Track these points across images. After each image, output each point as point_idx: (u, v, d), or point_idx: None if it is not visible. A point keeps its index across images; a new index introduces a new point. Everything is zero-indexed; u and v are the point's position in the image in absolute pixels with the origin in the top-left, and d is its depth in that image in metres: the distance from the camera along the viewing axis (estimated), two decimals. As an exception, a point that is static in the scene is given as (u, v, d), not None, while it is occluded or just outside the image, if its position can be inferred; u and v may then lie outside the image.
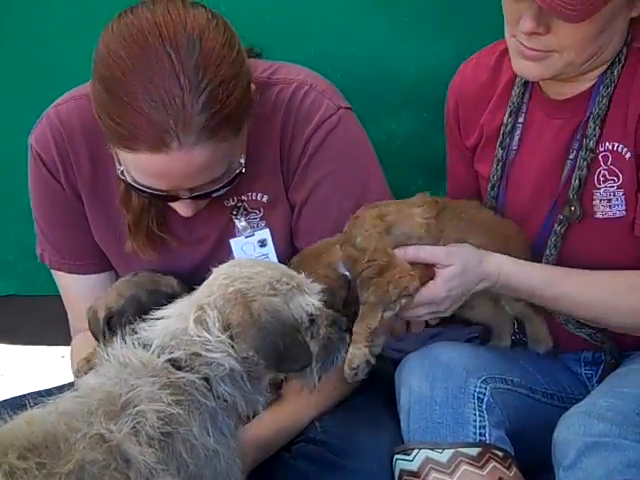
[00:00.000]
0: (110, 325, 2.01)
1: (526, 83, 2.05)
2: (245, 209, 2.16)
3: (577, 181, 1.95)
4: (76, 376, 2.09)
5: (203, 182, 1.89)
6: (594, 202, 1.96)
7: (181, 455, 1.50)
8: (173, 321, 1.63)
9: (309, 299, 1.67)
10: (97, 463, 1.42)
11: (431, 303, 1.89)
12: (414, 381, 1.88)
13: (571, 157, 1.97)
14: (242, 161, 1.95)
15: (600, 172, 1.94)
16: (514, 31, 1.89)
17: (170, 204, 2.00)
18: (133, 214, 2.13)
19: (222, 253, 2.15)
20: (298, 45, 2.62)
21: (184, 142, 1.78)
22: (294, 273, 1.73)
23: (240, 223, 2.16)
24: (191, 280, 2.08)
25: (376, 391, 2.08)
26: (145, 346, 1.61)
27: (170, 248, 2.18)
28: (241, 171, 1.95)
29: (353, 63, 2.65)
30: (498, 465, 1.80)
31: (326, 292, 1.76)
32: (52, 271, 2.30)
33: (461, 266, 1.88)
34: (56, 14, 2.76)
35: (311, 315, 1.67)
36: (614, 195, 1.94)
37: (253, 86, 1.94)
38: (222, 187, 1.95)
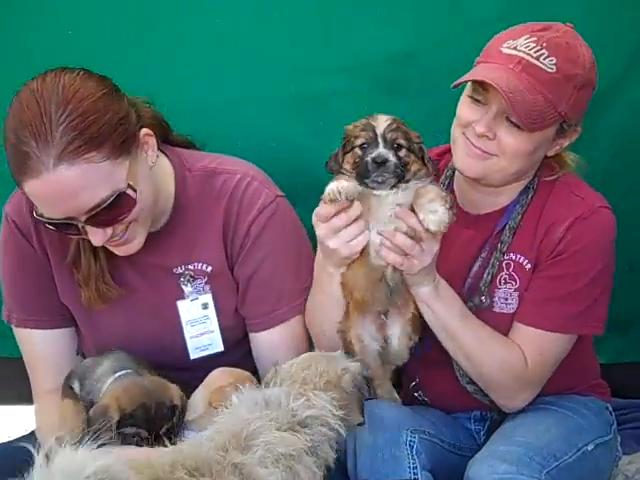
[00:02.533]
0: (118, 425, 2.27)
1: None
2: (192, 276, 2.59)
3: (489, 276, 2.54)
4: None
5: (88, 205, 2.27)
6: (494, 299, 2.55)
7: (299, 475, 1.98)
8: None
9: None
10: None
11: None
12: (357, 431, 2.36)
13: (483, 255, 2.56)
14: (131, 184, 2.32)
15: (502, 276, 2.55)
16: (464, 130, 2.45)
17: (83, 237, 2.37)
18: (82, 273, 2.51)
19: (170, 314, 2.59)
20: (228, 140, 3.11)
21: (48, 164, 2.21)
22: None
23: (187, 288, 2.59)
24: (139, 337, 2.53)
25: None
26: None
27: (122, 307, 2.57)
28: (128, 195, 2.32)
29: (274, 157, 3.15)
30: (428, 496, 2.35)
31: None
32: (17, 331, 2.61)
33: None
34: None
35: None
36: (510, 296, 2.55)
37: (146, 131, 2.40)
38: (114, 212, 2.31)
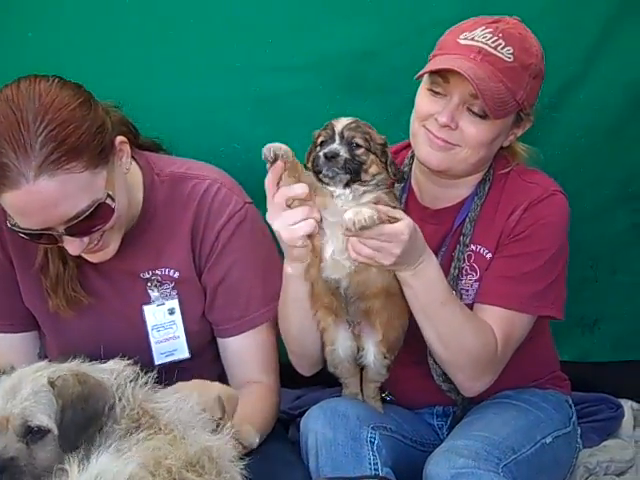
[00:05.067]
0: None
1: (404, 188, 2.73)
2: (159, 281, 2.67)
3: (456, 270, 2.64)
4: None
5: (68, 215, 2.33)
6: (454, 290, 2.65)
7: None
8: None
9: None
10: None
11: (390, 236, 2.28)
12: (319, 428, 2.49)
13: (443, 250, 2.66)
14: (110, 193, 2.38)
15: (463, 267, 2.66)
16: (424, 122, 2.56)
17: (60, 245, 2.43)
18: (50, 280, 2.58)
19: (136, 319, 2.67)
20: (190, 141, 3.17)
21: (28, 175, 2.24)
22: None
23: (153, 293, 2.68)
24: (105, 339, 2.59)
25: (280, 440, 2.67)
26: None
27: (89, 312, 2.64)
28: (107, 204, 2.37)
29: (237, 158, 3.25)
30: (390, 492, 2.46)
31: None
32: None
33: (415, 227, 2.34)
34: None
35: None
36: (471, 287, 2.66)
37: (121, 138, 2.45)
38: (93, 222, 2.36)
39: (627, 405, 3.38)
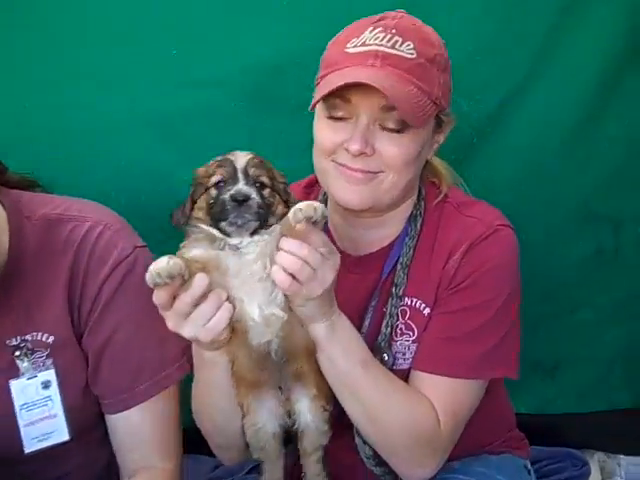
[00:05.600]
0: None
1: None
2: (29, 349, 2.30)
3: (389, 329, 2.27)
4: None
5: None
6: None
7: None
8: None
9: None
10: None
11: (329, 251, 2.02)
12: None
13: (373, 304, 2.29)
14: None
15: (398, 326, 2.28)
16: (333, 157, 2.21)
17: None
18: None
19: (1, 397, 2.28)
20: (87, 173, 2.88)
21: None
22: None
23: (23, 364, 2.30)
24: None
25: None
26: None
27: None
28: None
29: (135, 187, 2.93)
30: None
31: None
32: None
33: None
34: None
35: None
36: (408, 349, 2.28)
37: None
38: None
39: (594, 459, 3.13)
